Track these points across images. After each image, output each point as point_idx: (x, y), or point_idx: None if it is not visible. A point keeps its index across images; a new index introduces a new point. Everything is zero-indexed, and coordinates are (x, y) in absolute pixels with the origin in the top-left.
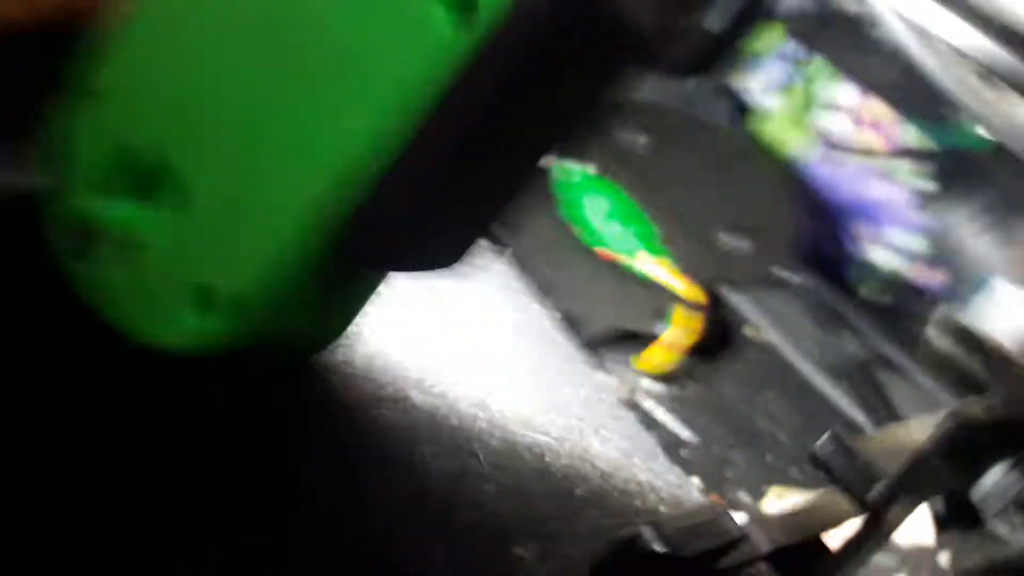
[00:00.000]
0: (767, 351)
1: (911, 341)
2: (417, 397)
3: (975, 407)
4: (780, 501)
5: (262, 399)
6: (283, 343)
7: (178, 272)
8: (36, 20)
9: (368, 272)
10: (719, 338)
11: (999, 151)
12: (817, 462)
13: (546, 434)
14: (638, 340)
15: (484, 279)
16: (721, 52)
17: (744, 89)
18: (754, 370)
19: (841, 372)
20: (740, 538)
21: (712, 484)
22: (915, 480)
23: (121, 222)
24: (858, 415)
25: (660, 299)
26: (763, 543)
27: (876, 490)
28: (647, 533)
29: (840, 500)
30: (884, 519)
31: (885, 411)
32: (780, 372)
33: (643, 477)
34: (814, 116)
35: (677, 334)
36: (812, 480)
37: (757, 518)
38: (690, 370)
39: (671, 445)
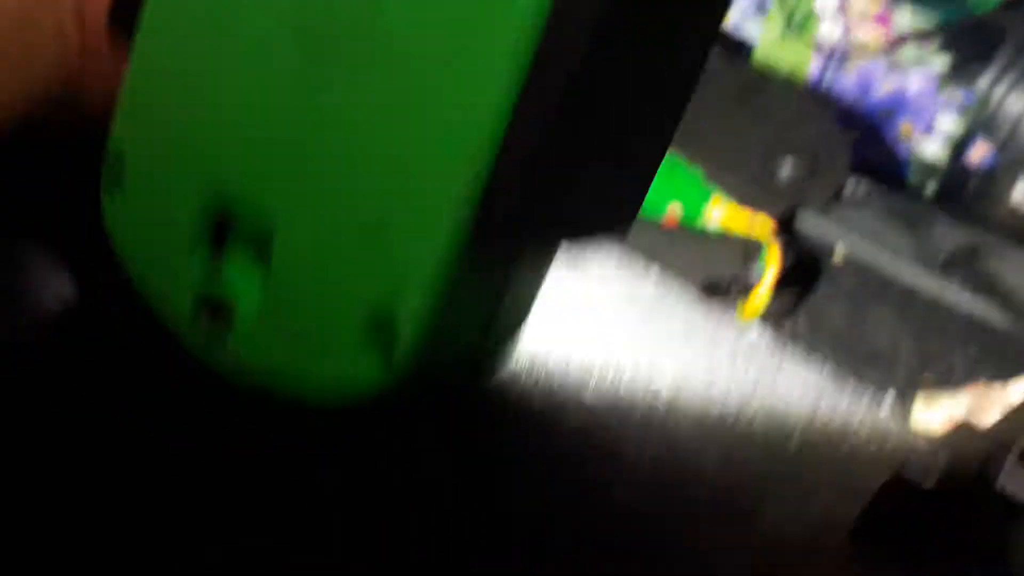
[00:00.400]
0: (860, 270)
1: (997, 220)
2: (591, 399)
3: None
4: (930, 409)
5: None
6: (461, 365)
7: (341, 312)
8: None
9: (532, 267)
10: (809, 269)
11: (1008, 6)
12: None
13: (730, 396)
14: (736, 292)
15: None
16: None
17: (730, 26)
18: (855, 291)
19: (945, 268)
20: (999, 450)
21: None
22: None
23: (244, 281)
24: (975, 306)
25: (744, 246)
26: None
27: None
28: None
29: None
30: None
31: (1004, 294)
32: (880, 287)
33: (841, 414)
34: (805, 29)
35: (772, 274)
36: (949, 382)
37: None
38: (793, 306)
39: (821, 381)
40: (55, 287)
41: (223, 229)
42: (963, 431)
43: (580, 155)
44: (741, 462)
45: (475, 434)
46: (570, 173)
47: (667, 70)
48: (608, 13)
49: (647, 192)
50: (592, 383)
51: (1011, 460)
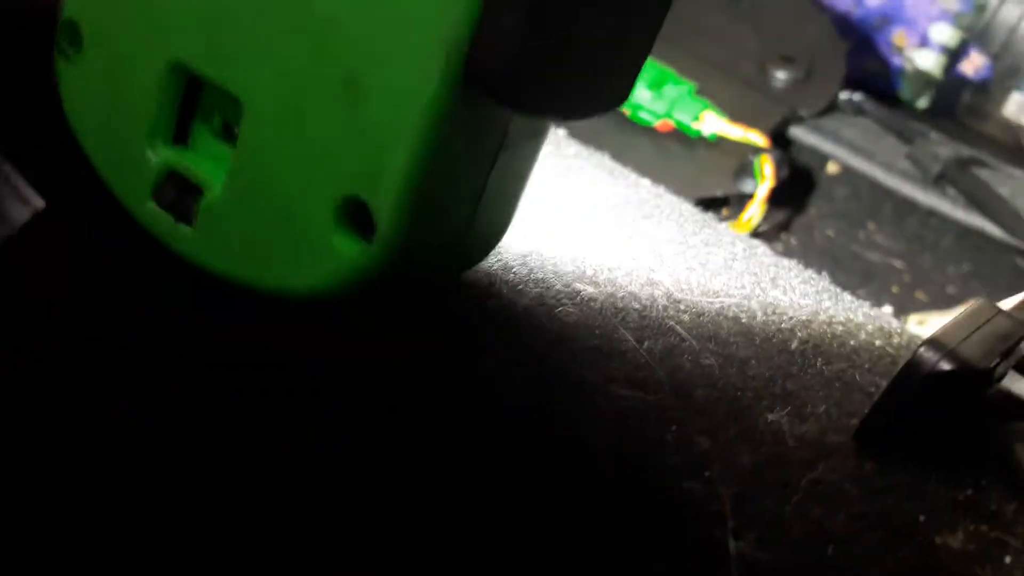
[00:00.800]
0: (855, 181)
1: (990, 133)
2: (588, 290)
3: None
4: (924, 327)
5: (430, 321)
6: (445, 253)
7: (313, 193)
8: None
9: (519, 147)
10: (804, 180)
11: None
12: None
13: (729, 295)
14: (730, 204)
15: (572, 164)
16: None
17: None
18: (847, 204)
19: (937, 181)
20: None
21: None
22: None
23: (213, 162)
24: (970, 218)
25: (738, 155)
26: None
27: None
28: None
29: None
30: None
31: (997, 206)
32: (873, 201)
33: (841, 316)
34: None
35: (765, 189)
36: (941, 300)
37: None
38: (786, 221)
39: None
40: (21, 197)
41: (191, 101)
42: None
43: (568, 21)
44: (742, 360)
45: (464, 327)
46: (558, 39)
47: None
48: None
49: (638, 72)
50: (587, 276)
51: (1007, 366)
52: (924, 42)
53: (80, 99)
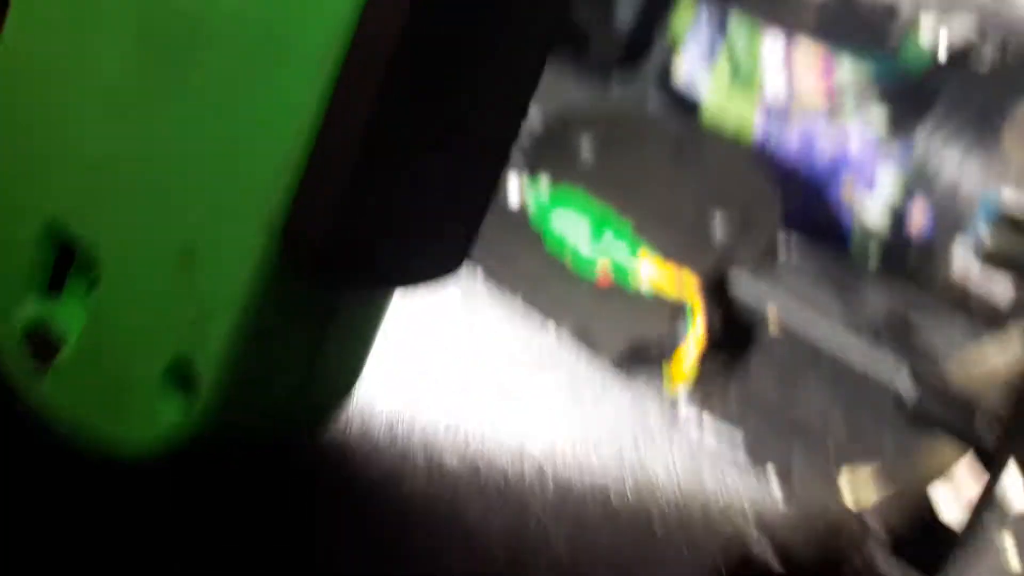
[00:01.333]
0: (790, 334)
1: (938, 289)
2: (450, 460)
3: None
4: (856, 484)
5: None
6: (278, 416)
7: (144, 355)
8: None
9: (360, 309)
10: (740, 330)
11: (938, 67)
12: (913, 411)
13: (603, 471)
14: (662, 352)
15: (474, 307)
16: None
17: (681, 78)
18: (784, 356)
19: (877, 336)
20: (860, 536)
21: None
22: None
23: (76, 317)
24: (902, 382)
25: (672, 305)
26: (881, 530)
27: (983, 424)
28: (759, 549)
29: (939, 454)
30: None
31: (927, 361)
32: (813, 357)
33: (722, 495)
34: (751, 82)
35: (699, 336)
36: (875, 459)
37: (871, 505)
38: (722, 370)
39: (727, 454)
40: None
41: (69, 252)
42: (827, 513)
43: (395, 189)
44: (600, 546)
45: (306, 497)
46: (386, 209)
47: (485, 106)
48: (412, 44)
49: (476, 234)
50: (456, 447)
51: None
52: (871, 186)
53: None
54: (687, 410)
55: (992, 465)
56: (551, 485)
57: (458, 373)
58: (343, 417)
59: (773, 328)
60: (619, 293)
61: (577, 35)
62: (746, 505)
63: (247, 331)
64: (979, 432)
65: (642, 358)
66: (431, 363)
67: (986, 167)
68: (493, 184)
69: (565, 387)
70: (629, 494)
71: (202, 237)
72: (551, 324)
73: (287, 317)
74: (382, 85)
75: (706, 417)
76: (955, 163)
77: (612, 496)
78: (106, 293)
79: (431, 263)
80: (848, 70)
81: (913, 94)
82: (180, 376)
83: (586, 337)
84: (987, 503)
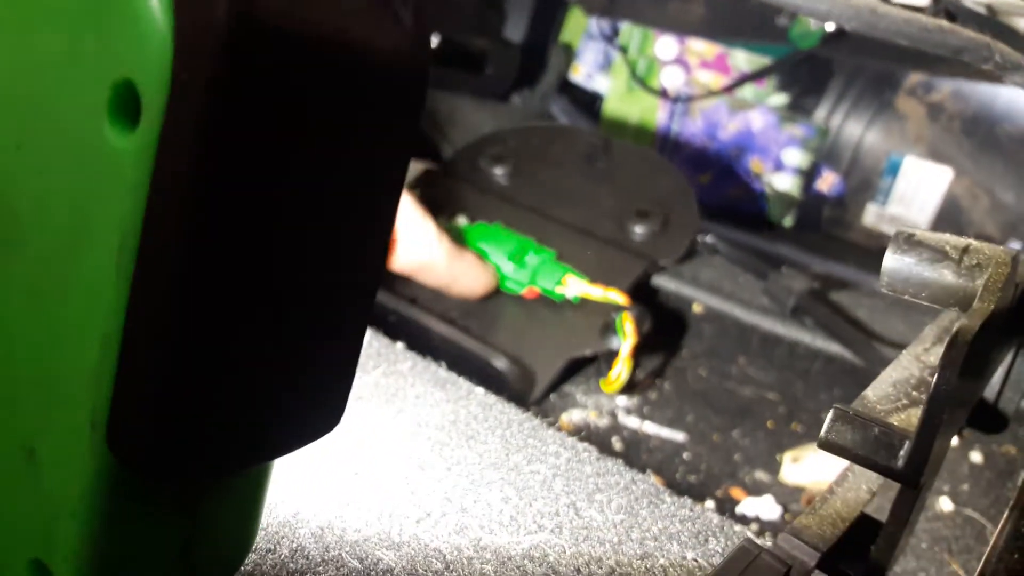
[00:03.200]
0: (719, 319)
1: (845, 251)
2: (387, 558)
3: (975, 318)
4: (798, 464)
5: None
6: None
7: (5, 553)
8: None
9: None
10: (672, 324)
11: (828, 40)
12: (831, 447)
13: (541, 528)
14: (597, 363)
15: (403, 384)
16: (534, 55)
17: (581, 83)
18: (716, 343)
19: (794, 313)
20: (786, 572)
21: (725, 475)
22: (938, 424)
23: None
24: (832, 346)
25: (602, 314)
26: (810, 557)
27: (904, 455)
28: None
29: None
30: (922, 476)
31: (854, 329)
32: (740, 335)
33: (656, 528)
34: (649, 78)
35: (631, 341)
36: (816, 429)
37: (796, 528)
38: (657, 369)
39: (669, 456)
40: None
41: None
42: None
43: (223, 375)
44: None
45: None
46: (214, 395)
47: (320, 264)
48: (206, 229)
49: (348, 385)
50: (390, 539)
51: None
52: (779, 167)
53: None
54: (627, 418)
55: None
56: (490, 555)
57: (384, 460)
58: (268, 540)
59: (700, 314)
60: (548, 305)
61: (471, 58)
62: (684, 539)
63: (97, 533)
64: (902, 464)
65: (580, 366)
66: (355, 461)
67: (886, 131)
68: (359, 330)
69: (495, 447)
70: (567, 548)
71: (39, 435)
72: (492, 354)
73: (144, 510)
74: (178, 277)
75: (649, 421)
76: (857, 132)
77: (550, 554)
78: None
79: (295, 430)
80: (743, 60)
81: (808, 72)
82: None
83: (521, 356)
84: None
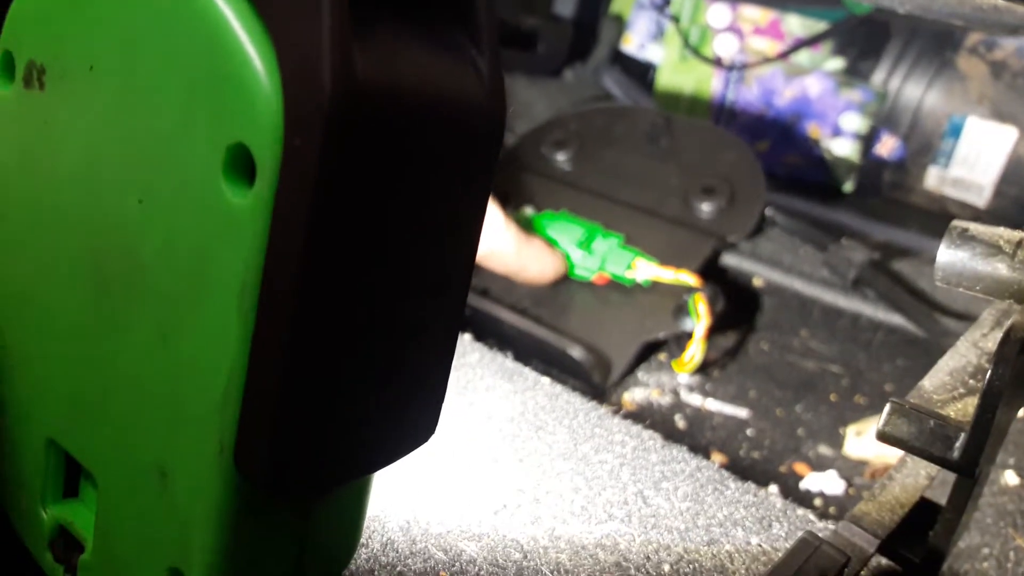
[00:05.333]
0: (780, 293)
1: (907, 216)
2: (469, 549)
3: None
4: (861, 438)
5: None
6: None
7: (143, 565)
8: None
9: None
10: (735, 300)
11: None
12: (888, 439)
13: (611, 518)
14: (671, 345)
15: (472, 376)
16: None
17: (632, 54)
18: (777, 317)
19: (856, 285)
20: (845, 562)
21: (789, 450)
22: (992, 417)
23: (83, 519)
24: (894, 317)
25: (674, 296)
26: (869, 544)
27: (959, 447)
28: None
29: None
30: (977, 466)
31: (916, 300)
32: (801, 308)
33: (721, 515)
34: (702, 46)
35: (705, 322)
36: (881, 402)
37: (855, 516)
38: (722, 347)
39: (732, 433)
40: None
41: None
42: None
43: (336, 398)
44: None
45: None
46: (329, 418)
47: (415, 289)
48: (326, 253)
49: (442, 396)
50: (470, 531)
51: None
52: (837, 132)
53: None
54: (693, 398)
55: None
56: (564, 544)
57: (459, 453)
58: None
59: (762, 288)
60: (619, 290)
61: (522, 36)
62: (749, 525)
63: (227, 543)
64: (958, 456)
65: (653, 349)
66: (431, 458)
67: (947, 91)
68: (450, 348)
69: (563, 438)
70: (636, 536)
71: (170, 458)
72: (568, 344)
73: (266, 521)
74: (297, 314)
75: (714, 399)
76: (917, 94)
77: (621, 542)
78: (103, 505)
79: (397, 443)
80: (797, 25)
81: (865, 35)
82: None
83: (596, 343)
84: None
